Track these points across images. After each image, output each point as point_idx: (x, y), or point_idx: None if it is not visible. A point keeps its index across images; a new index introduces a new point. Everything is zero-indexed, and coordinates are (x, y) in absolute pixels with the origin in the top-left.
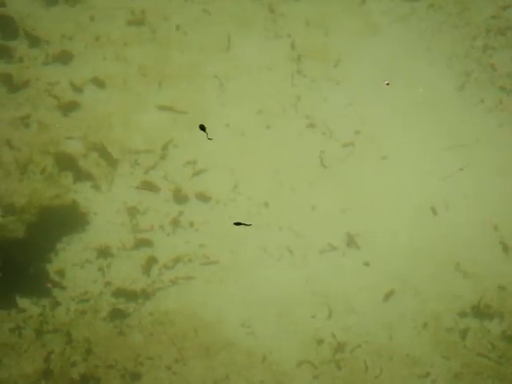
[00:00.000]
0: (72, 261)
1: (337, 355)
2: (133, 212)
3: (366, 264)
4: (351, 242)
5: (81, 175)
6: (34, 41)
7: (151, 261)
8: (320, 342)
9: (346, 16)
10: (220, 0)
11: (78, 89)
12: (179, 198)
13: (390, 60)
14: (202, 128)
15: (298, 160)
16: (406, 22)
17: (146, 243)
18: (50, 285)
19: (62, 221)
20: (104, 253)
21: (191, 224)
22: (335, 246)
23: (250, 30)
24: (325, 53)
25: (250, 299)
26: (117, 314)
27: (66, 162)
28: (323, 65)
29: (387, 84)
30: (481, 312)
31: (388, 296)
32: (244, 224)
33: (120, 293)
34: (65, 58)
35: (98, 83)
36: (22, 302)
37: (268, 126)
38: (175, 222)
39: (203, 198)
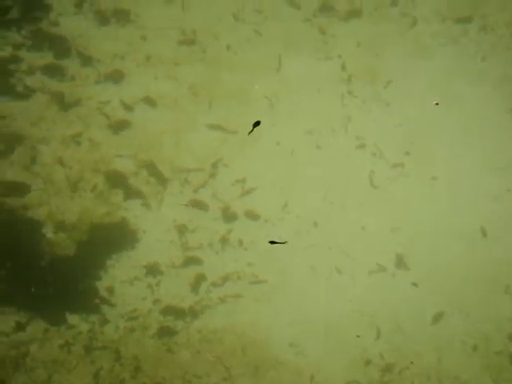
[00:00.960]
0: (121, 278)
1: (385, 376)
2: (182, 230)
3: (415, 285)
4: (400, 262)
5: (131, 193)
6: (86, 60)
7: (200, 278)
8: (368, 362)
9: (397, 38)
10: (271, 21)
11: (128, 107)
12: (228, 216)
13: (440, 82)
14: (257, 124)
15: (347, 180)
16: (457, 44)
17: (195, 261)
18: (98, 301)
19: (112, 238)
20: (153, 270)
21: (240, 242)
22: (384, 266)
23: (300, 51)
24: (375, 74)
25: (298, 318)
26: (165, 332)
27: (116, 180)
28: (373, 86)
29: (436, 104)
30: None
31: (437, 317)
32: (279, 243)
33: (169, 310)
34: (116, 76)
35: (149, 102)
36: (72, 318)
37: (318, 146)
38: (224, 240)
39: (252, 216)
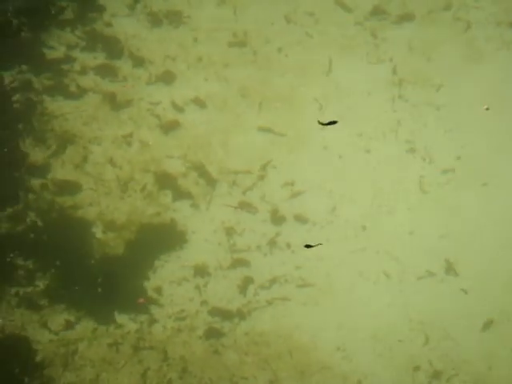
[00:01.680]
0: (169, 279)
1: (433, 383)
2: (230, 232)
3: (465, 291)
4: (450, 268)
5: (180, 194)
6: (138, 61)
7: (247, 281)
8: (416, 368)
9: (450, 42)
10: (322, 23)
11: (179, 108)
12: (276, 219)
13: (493, 87)
14: (333, 123)
15: (396, 184)
16: (510, 49)
17: (243, 263)
18: (142, 301)
19: (161, 239)
20: (201, 271)
21: (288, 245)
22: (433, 272)
23: (351, 54)
24: (427, 78)
25: (345, 323)
26: (212, 333)
27: (165, 181)
28: (424, 90)
29: (487, 109)
30: None
31: (487, 325)
32: (315, 245)
33: (216, 312)
34: (167, 78)
35: (199, 103)
36: (121, 318)
37: (367, 150)
38: (272, 243)
39: (300, 219)
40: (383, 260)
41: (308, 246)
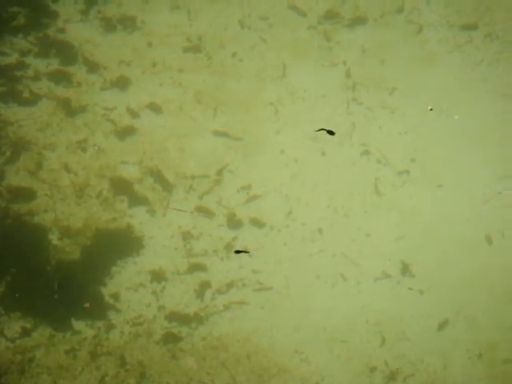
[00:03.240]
0: (127, 284)
1: (390, 383)
2: (187, 236)
3: (421, 292)
4: (406, 270)
5: (136, 200)
6: (93, 66)
7: (205, 285)
8: (373, 369)
9: (403, 44)
10: (276, 28)
11: (134, 114)
12: (233, 223)
13: (445, 89)
14: (330, 132)
15: (352, 187)
16: (462, 52)
17: (200, 268)
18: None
19: (117, 245)
20: (158, 277)
21: (245, 249)
22: (389, 273)
23: (305, 58)
24: (380, 81)
25: (303, 325)
26: (170, 338)
27: (121, 187)
28: (379, 93)
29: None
30: None
31: (442, 325)
32: (243, 251)
33: (173, 317)
34: (122, 83)
35: (155, 109)
36: (77, 324)
37: (323, 153)
38: (229, 247)
39: (257, 223)
40: (340, 262)
41: (237, 252)
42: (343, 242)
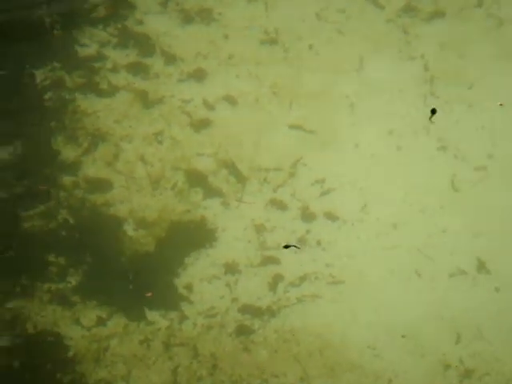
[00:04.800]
0: (200, 276)
1: (464, 381)
2: (260, 229)
3: (497, 290)
4: (482, 267)
5: (210, 192)
6: (170, 58)
7: (277, 278)
8: (447, 367)
9: (482, 39)
10: (353, 21)
11: (210, 106)
12: (307, 216)
13: None
14: (433, 111)
15: (428, 182)
16: None
17: (273, 260)
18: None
19: (191, 236)
20: (231, 269)
21: (318, 243)
22: (465, 270)
23: (382, 51)
24: (459, 75)
25: (375, 321)
26: (242, 330)
27: (196, 179)
28: (456, 87)
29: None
30: None
31: None
32: (294, 246)
33: (246, 309)
34: (199, 75)
35: (231, 101)
36: (151, 314)
37: (399, 147)
38: (302, 241)
39: (331, 217)
40: (415, 258)
41: (286, 247)
42: (418, 237)
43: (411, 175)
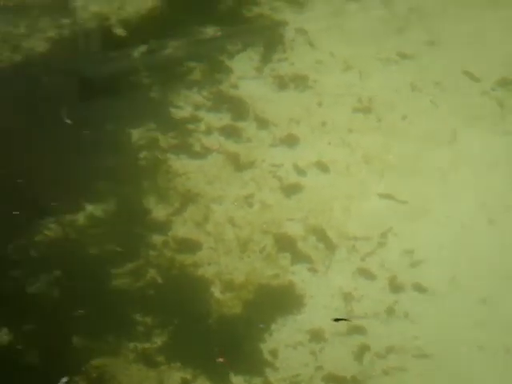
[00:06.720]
0: (285, 342)
1: None
2: (348, 298)
3: None
4: None
5: (299, 257)
6: (263, 123)
7: (364, 348)
8: None
9: None
10: (448, 92)
11: (301, 172)
12: (395, 286)
13: None
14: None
15: None
16: None
17: (360, 330)
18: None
19: (278, 301)
20: (317, 336)
21: (406, 314)
22: None
23: (476, 124)
24: None
25: None
26: None
27: (285, 243)
28: None
29: None
30: None
31: None
32: (344, 319)
33: (331, 378)
34: (291, 141)
35: (322, 167)
36: (236, 379)
37: (490, 221)
38: (390, 311)
39: (419, 288)
40: (504, 334)
41: (337, 320)
42: (509, 312)
43: (502, 249)
